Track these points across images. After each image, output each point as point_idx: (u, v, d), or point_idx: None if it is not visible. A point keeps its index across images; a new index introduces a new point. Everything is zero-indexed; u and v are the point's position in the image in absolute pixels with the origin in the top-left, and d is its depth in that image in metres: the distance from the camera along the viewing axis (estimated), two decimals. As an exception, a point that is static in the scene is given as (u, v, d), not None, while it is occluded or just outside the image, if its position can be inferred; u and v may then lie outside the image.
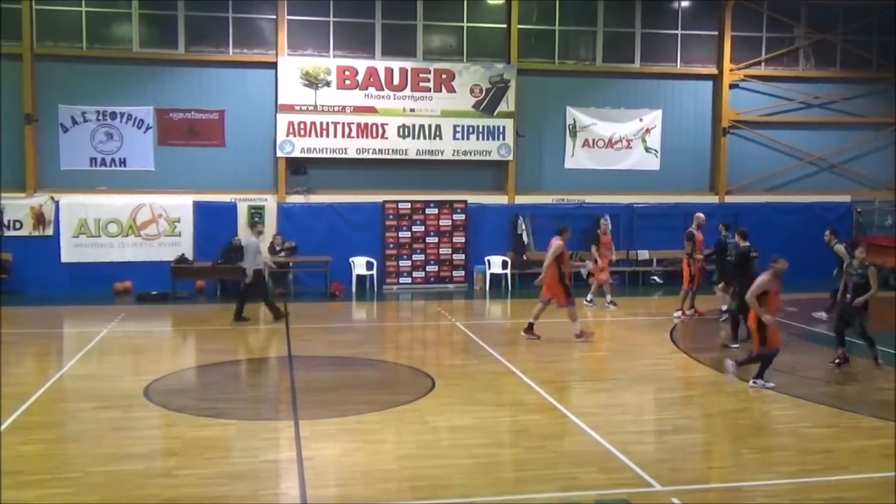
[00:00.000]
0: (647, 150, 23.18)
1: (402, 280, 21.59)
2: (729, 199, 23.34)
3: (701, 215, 17.72)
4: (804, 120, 23.96)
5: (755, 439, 9.27)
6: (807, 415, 10.21)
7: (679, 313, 16.99)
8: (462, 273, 21.88)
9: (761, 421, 9.93)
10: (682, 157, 23.25)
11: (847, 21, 23.92)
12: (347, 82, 21.24)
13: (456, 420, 9.79)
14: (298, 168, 21.41)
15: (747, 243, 14.80)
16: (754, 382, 11.32)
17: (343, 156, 21.37)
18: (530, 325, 14.71)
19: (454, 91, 21.76)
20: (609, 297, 18.40)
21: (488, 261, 21.79)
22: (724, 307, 16.29)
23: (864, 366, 12.69)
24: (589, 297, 18.63)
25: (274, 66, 21.01)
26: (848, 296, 12.68)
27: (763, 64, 23.69)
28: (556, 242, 14.48)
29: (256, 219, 20.01)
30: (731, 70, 23.29)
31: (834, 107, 24.08)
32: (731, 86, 23.41)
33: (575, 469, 8.10)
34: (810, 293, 18.39)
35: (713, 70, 23.35)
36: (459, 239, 21.82)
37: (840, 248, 16.43)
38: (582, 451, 8.73)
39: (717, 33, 23.28)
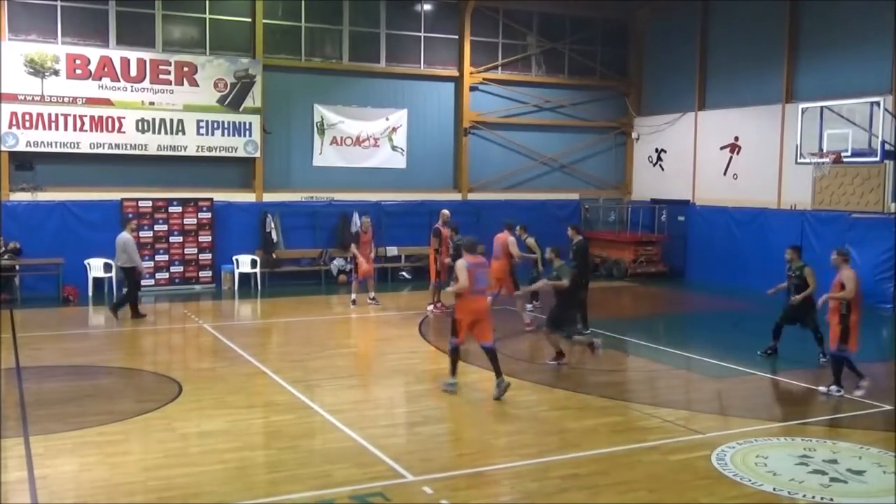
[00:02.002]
0: (394, 148, 23.68)
1: (144, 282, 20.50)
2: (471, 196, 24.39)
3: (446, 212, 18.42)
4: (537, 122, 25.54)
5: (499, 425, 9.80)
6: (544, 399, 10.96)
7: (431, 306, 17.58)
8: (209, 273, 21.19)
9: (504, 408, 10.49)
10: (427, 155, 23.97)
11: (573, 32, 25.80)
12: (78, 72, 19.83)
13: (205, 425, 9.51)
14: (24, 163, 19.69)
15: (581, 237, 15.48)
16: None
17: (75, 150, 19.92)
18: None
19: (197, 85, 20.97)
20: (372, 294, 18.67)
21: (237, 260, 21.27)
22: None
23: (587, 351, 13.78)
24: (353, 296, 18.69)
25: (-7, 51, 19.21)
26: (793, 297, 12.72)
27: (500, 68, 24.96)
28: (510, 238, 15.73)
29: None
30: (471, 73, 24.34)
31: (563, 111, 25.88)
32: (472, 88, 24.45)
33: (329, 466, 8.14)
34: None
35: (454, 72, 24.28)
36: (206, 238, 21.10)
37: (531, 241, 17.27)
38: (336, 447, 8.80)
39: (457, 37, 24.23)
